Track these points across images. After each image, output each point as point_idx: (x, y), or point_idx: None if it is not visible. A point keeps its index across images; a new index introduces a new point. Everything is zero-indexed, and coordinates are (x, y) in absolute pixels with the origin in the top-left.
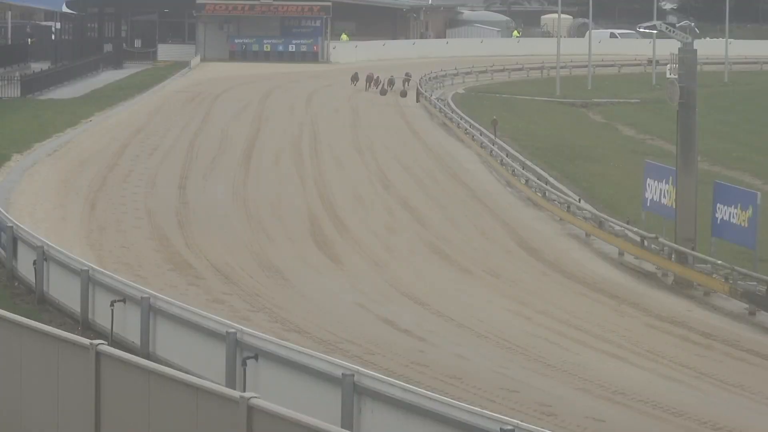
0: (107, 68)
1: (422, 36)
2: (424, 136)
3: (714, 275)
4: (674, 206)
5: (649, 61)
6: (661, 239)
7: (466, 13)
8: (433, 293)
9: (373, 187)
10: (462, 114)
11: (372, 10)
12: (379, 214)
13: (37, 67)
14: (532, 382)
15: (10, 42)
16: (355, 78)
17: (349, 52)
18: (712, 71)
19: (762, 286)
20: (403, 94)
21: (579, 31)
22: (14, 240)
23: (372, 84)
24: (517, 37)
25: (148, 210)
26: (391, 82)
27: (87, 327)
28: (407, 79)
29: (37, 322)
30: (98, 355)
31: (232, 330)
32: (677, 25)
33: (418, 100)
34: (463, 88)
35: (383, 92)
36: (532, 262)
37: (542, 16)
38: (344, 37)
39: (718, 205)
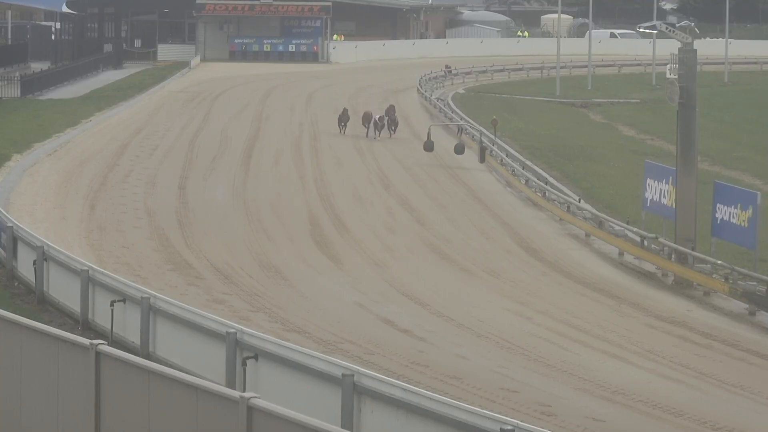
0: (107, 68)
1: (422, 36)
2: (424, 136)
3: (714, 275)
4: (674, 206)
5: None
6: (661, 239)
7: (466, 13)
8: (433, 293)
9: (373, 187)
10: (462, 114)
11: (372, 10)
12: (379, 214)
13: (37, 67)
14: (532, 382)
15: (10, 42)
16: (344, 118)
17: (349, 52)
18: (712, 71)
19: (762, 286)
20: (429, 147)
21: (579, 31)
22: (14, 240)
23: (372, 126)
24: (520, 36)
25: (148, 210)
26: (392, 119)
27: (87, 327)
28: (390, 110)
29: (37, 322)
30: (98, 355)
31: (232, 330)
32: (677, 25)
33: (483, 160)
34: (463, 88)
35: (429, 147)
36: (532, 262)
37: (542, 16)
38: (336, 37)
39: (718, 205)
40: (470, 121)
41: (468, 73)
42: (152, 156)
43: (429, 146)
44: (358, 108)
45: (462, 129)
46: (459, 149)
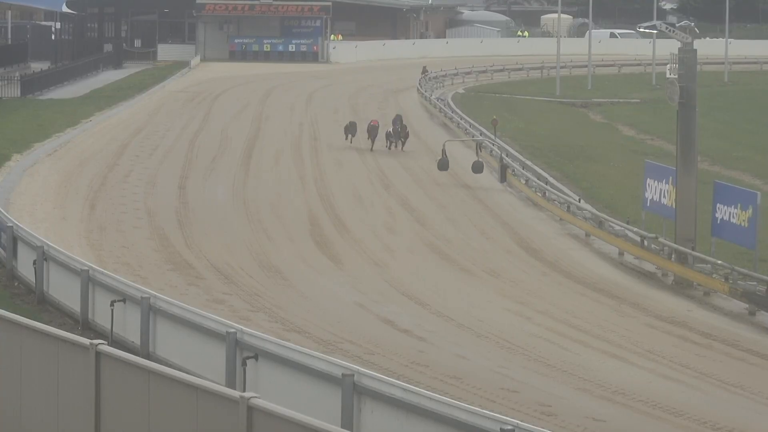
0: (107, 68)
1: (422, 36)
2: (424, 136)
3: (714, 275)
4: (674, 206)
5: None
6: (661, 239)
7: (466, 13)
8: (433, 293)
9: (373, 187)
10: (462, 114)
11: (372, 10)
12: (379, 214)
13: (37, 67)
14: (532, 382)
15: (10, 42)
16: (350, 129)
17: (349, 52)
18: (712, 71)
19: (762, 286)
20: (443, 165)
21: (579, 31)
22: (14, 240)
23: (375, 138)
24: (520, 35)
25: (148, 210)
26: (405, 131)
27: (87, 327)
28: (397, 125)
29: (37, 322)
30: (98, 355)
31: (232, 330)
32: (677, 25)
33: (504, 179)
34: (463, 88)
35: (443, 165)
36: (532, 262)
37: (542, 16)
38: (334, 37)
39: (718, 205)
40: (471, 120)
41: (468, 73)
42: (152, 156)
43: (443, 165)
44: (358, 108)
45: (481, 145)
46: (477, 167)
